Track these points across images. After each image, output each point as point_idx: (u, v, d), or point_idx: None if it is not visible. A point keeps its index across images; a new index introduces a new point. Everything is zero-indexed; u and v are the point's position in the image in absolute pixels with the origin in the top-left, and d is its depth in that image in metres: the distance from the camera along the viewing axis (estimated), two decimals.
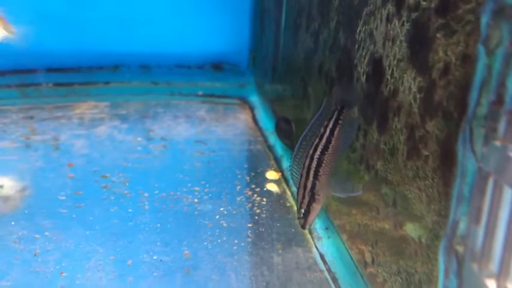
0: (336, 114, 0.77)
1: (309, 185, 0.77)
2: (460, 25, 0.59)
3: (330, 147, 0.76)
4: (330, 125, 0.76)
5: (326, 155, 0.76)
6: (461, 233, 0.55)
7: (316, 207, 0.78)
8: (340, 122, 0.77)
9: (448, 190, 0.60)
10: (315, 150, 0.76)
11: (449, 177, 0.60)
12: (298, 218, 0.80)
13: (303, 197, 0.77)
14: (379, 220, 0.80)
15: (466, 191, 0.54)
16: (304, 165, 0.77)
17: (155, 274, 0.88)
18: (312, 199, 0.77)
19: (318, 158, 0.76)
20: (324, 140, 0.76)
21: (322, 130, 0.77)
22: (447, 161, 0.60)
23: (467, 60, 0.57)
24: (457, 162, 0.57)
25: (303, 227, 0.80)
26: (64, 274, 0.86)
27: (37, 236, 0.96)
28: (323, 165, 0.76)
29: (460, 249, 0.55)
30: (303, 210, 0.78)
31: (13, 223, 0.99)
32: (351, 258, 0.90)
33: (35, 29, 1.67)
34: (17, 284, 0.84)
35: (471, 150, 0.53)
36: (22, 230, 0.97)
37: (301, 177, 0.77)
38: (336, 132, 0.76)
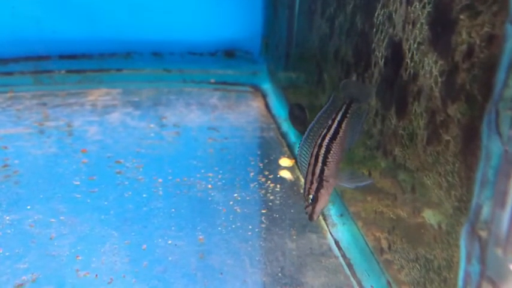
0: (344, 107, 0.77)
1: (317, 171, 0.76)
2: (486, 5, 0.57)
3: (338, 137, 0.76)
4: (338, 117, 0.77)
5: (334, 144, 0.76)
6: (485, 217, 0.54)
7: (325, 194, 0.77)
8: (348, 115, 0.77)
9: (470, 175, 0.59)
10: (323, 139, 0.77)
11: (471, 161, 0.58)
12: (306, 207, 0.79)
13: (311, 183, 0.77)
14: (396, 207, 0.79)
15: (490, 174, 0.52)
16: (312, 153, 0.77)
17: (170, 258, 0.88)
18: (321, 185, 0.77)
19: (326, 146, 0.76)
20: (332, 130, 0.77)
21: (330, 122, 0.77)
22: (470, 145, 0.59)
23: (494, 41, 0.55)
24: (480, 146, 0.56)
25: (311, 217, 0.79)
26: (79, 257, 0.87)
27: (52, 220, 0.96)
28: (331, 152, 0.76)
29: (483, 234, 0.54)
30: (311, 196, 0.77)
31: (29, 207, 1.00)
32: (367, 244, 0.89)
33: (47, 17, 1.67)
34: (34, 267, 0.84)
35: (497, 132, 0.51)
36: (38, 214, 0.98)
37: (309, 165, 0.77)
38: (343, 125, 0.77)
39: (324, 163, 0.76)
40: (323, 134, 0.77)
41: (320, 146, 0.76)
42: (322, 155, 0.76)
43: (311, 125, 0.79)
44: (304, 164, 0.78)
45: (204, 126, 1.40)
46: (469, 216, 0.57)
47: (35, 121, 1.39)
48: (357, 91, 0.78)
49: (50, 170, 1.14)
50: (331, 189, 0.78)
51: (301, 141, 0.79)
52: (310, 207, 0.78)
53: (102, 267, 0.85)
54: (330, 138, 0.76)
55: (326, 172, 0.76)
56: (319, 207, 0.78)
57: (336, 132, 0.76)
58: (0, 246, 0.88)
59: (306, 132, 0.79)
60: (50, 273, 0.83)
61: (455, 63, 0.63)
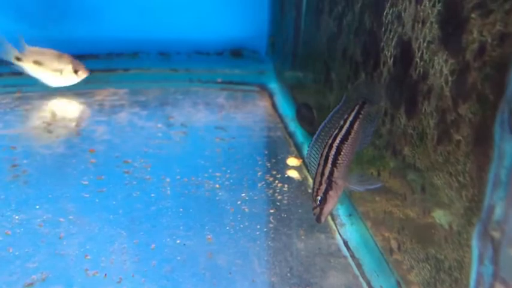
0: (356, 108, 0.76)
1: (327, 172, 0.75)
2: (498, 3, 0.57)
3: (350, 138, 0.75)
4: (350, 118, 0.76)
5: (345, 145, 0.75)
6: (498, 218, 0.53)
7: (333, 196, 0.76)
8: (360, 116, 0.76)
9: (481, 175, 0.58)
10: (334, 139, 0.75)
11: (483, 161, 0.58)
12: (313, 208, 0.77)
13: (320, 184, 0.76)
14: (405, 207, 0.79)
15: (503, 174, 0.52)
16: (322, 154, 0.76)
17: (178, 258, 0.88)
18: (329, 186, 0.75)
19: (337, 147, 0.75)
20: (343, 131, 0.75)
21: (342, 122, 0.76)
22: (481, 144, 0.59)
23: (506, 39, 0.55)
24: (493, 146, 0.55)
25: (318, 219, 0.77)
26: (88, 257, 0.87)
27: (61, 219, 0.97)
28: (342, 154, 0.75)
29: (496, 234, 0.53)
30: (319, 198, 0.76)
31: (37, 207, 1.00)
32: (376, 244, 0.89)
33: (54, 16, 1.68)
34: (43, 266, 0.85)
35: (510, 132, 0.51)
36: (47, 214, 0.98)
37: (318, 165, 0.76)
38: (355, 126, 0.75)
39: (334, 164, 0.75)
40: (334, 134, 0.76)
41: (330, 146, 0.75)
42: (332, 156, 0.75)
43: (322, 124, 0.78)
44: (313, 165, 0.78)
45: (211, 125, 1.40)
46: (481, 216, 0.57)
47: (43, 121, 1.39)
48: (369, 92, 0.77)
49: (58, 170, 1.14)
50: (340, 192, 0.77)
51: (311, 141, 0.78)
52: (318, 209, 0.77)
53: (111, 267, 0.85)
54: (341, 139, 0.75)
55: (335, 174, 0.75)
56: (327, 209, 0.77)
57: (348, 133, 0.75)
58: (10, 245, 0.89)
59: (317, 132, 0.78)
60: (59, 272, 0.84)
61: (466, 62, 0.62)
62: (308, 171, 0.79)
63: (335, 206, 0.80)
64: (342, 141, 0.75)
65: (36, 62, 1.46)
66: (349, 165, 0.77)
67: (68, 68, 1.46)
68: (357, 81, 0.81)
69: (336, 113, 0.77)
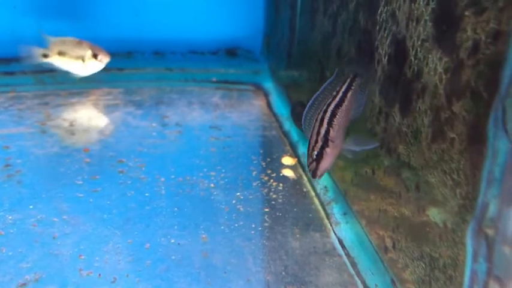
0: (348, 80, 0.78)
1: (323, 131, 0.75)
2: (491, 1, 0.57)
3: (343, 105, 0.76)
4: (343, 89, 0.77)
5: (340, 110, 0.76)
6: (492, 215, 0.53)
7: (330, 154, 0.75)
8: (352, 87, 0.77)
9: (476, 172, 0.58)
10: (329, 105, 0.77)
11: (477, 159, 0.58)
12: (309, 164, 0.76)
13: (316, 142, 0.75)
14: (400, 205, 0.79)
15: (497, 172, 0.52)
16: (317, 118, 0.76)
17: (173, 258, 0.88)
18: (325, 144, 0.75)
19: (332, 111, 0.76)
20: (337, 99, 0.77)
21: (334, 93, 0.77)
22: (475, 142, 0.59)
23: (500, 37, 0.55)
24: (486, 144, 0.55)
25: (314, 174, 0.76)
26: (83, 257, 0.87)
27: (55, 219, 0.96)
28: (337, 116, 0.76)
29: (490, 232, 0.53)
30: (315, 153, 0.75)
31: (31, 207, 1.00)
32: (371, 243, 0.89)
33: (48, 16, 1.67)
34: (37, 266, 0.84)
35: (504, 130, 0.51)
36: (40, 214, 0.98)
37: (314, 127, 0.76)
38: (348, 95, 0.76)
39: (330, 124, 0.75)
40: (328, 102, 0.77)
41: (325, 111, 0.76)
42: (328, 118, 0.76)
43: (315, 95, 0.78)
44: (309, 128, 0.77)
45: (206, 125, 1.40)
46: (475, 214, 0.57)
47: (37, 121, 1.38)
48: (360, 67, 0.79)
49: (52, 170, 1.14)
50: (336, 151, 0.76)
51: (305, 109, 0.78)
52: (314, 164, 0.76)
53: (106, 267, 0.85)
54: (336, 105, 0.76)
55: (331, 133, 0.75)
56: (323, 165, 0.76)
57: (341, 101, 0.77)
58: (3, 245, 0.88)
59: (311, 101, 0.78)
60: (53, 272, 0.83)
61: (460, 60, 0.62)
62: (304, 133, 0.79)
63: (331, 164, 0.78)
64: (337, 106, 0.77)
65: (60, 53, 1.43)
66: (344, 129, 0.78)
67: (88, 53, 1.43)
68: (348, 57, 0.82)
69: (329, 84, 0.78)
